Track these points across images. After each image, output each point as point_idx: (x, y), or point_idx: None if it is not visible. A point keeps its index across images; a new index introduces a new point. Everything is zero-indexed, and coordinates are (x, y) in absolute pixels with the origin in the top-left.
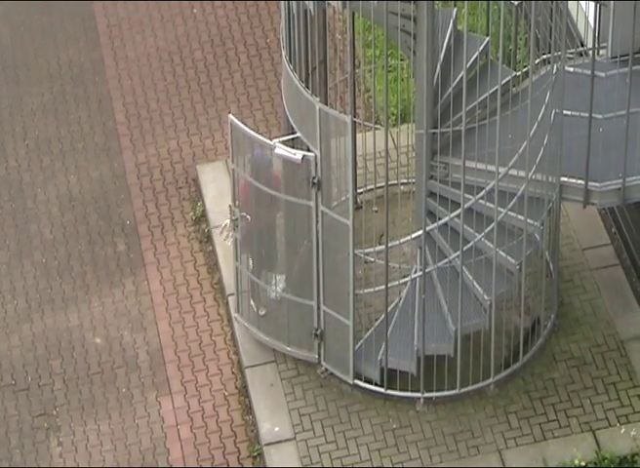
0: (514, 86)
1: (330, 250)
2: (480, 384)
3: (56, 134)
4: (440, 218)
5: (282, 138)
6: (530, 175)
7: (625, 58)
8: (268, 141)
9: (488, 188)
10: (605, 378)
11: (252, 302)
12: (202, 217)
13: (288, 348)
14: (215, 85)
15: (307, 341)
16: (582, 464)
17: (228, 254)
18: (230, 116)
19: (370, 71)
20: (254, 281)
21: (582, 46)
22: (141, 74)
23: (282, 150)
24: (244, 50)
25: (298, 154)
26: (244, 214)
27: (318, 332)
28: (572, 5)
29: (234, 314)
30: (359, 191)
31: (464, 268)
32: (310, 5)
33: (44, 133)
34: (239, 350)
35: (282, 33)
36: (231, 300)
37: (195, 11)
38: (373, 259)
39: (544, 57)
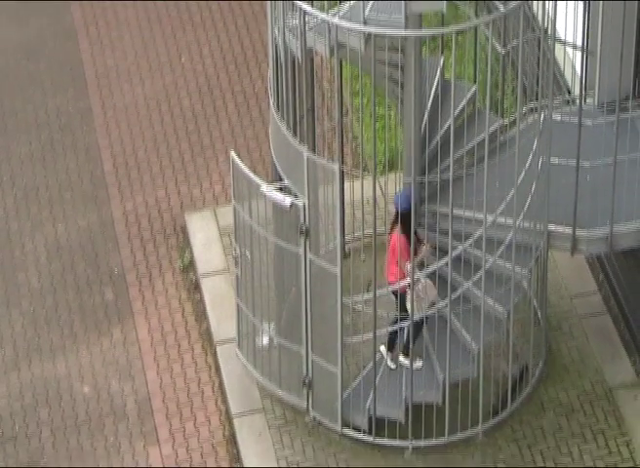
0: (502, 134)
1: (318, 297)
2: (468, 432)
3: (44, 182)
4: (428, 266)
5: (274, 185)
6: (517, 222)
7: (612, 105)
8: (262, 184)
9: (476, 236)
10: (593, 426)
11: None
12: (190, 266)
13: (279, 392)
14: (202, 133)
15: (297, 387)
16: None
17: (216, 303)
18: (232, 153)
19: (357, 119)
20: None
21: (569, 94)
22: (129, 123)
23: (272, 194)
24: (232, 98)
25: (287, 200)
26: (244, 250)
27: (307, 381)
28: (559, 53)
29: (236, 349)
30: (347, 239)
31: (453, 316)
32: (298, 53)
33: (32, 181)
34: (227, 399)
35: (270, 81)
36: (219, 349)
37: (183, 59)
38: (361, 307)
39: (532, 105)
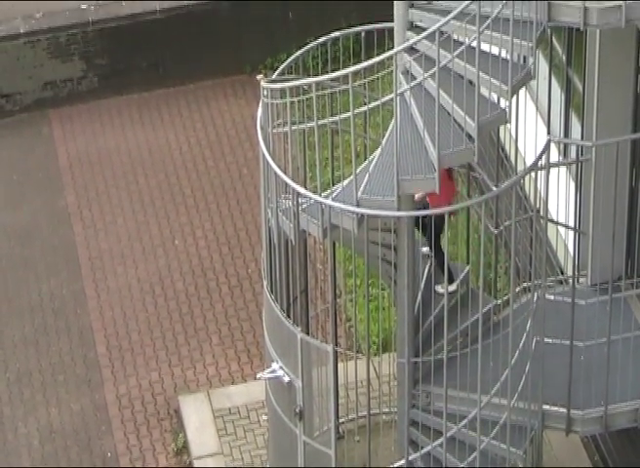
0: (495, 314)
1: None
2: None
3: (37, 366)
4: (422, 447)
5: (269, 371)
6: (512, 403)
7: (605, 285)
8: (275, 358)
9: (470, 417)
10: None
11: None
12: (183, 449)
13: None
14: (196, 315)
15: None
16: None
17: None
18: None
19: (351, 300)
20: None
21: (562, 274)
22: (123, 305)
23: (271, 373)
24: (225, 280)
25: (285, 377)
26: (265, 417)
27: None
28: (551, 233)
29: None
30: (341, 421)
31: None
32: (291, 234)
33: (25, 365)
34: None
35: (263, 263)
36: None
37: (177, 242)
38: None
39: (525, 285)
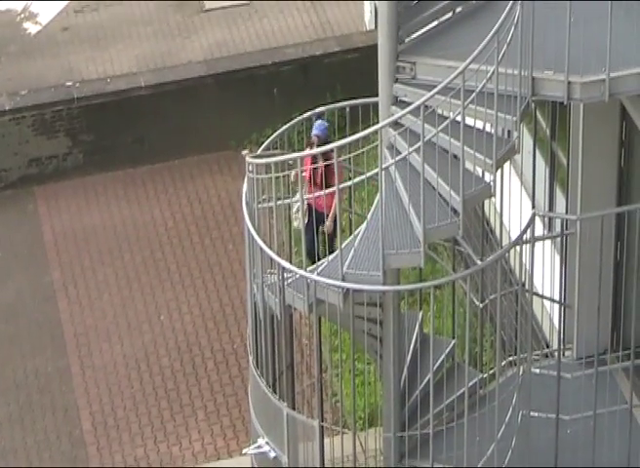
0: (481, 388)
1: None
2: None
3: (22, 444)
4: None
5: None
6: None
7: (591, 359)
8: (261, 433)
9: None
10: None
11: None
12: None
13: None
14: (181, 391)
15: None
16: None
17: None
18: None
19: (337, 375)
20: None
21: (548, 347)
22: (108, 382)
23: (255, 448)
24: (211, 356)
25: (271, 452)
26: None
27: None
28: (537, 307)
29: None
30: None
31: None
32: (277, 309)
33: (10, 443)
34: None
35: (249, 339)
36: None
37: (162, 317)
38: None
39: (510, 358)
